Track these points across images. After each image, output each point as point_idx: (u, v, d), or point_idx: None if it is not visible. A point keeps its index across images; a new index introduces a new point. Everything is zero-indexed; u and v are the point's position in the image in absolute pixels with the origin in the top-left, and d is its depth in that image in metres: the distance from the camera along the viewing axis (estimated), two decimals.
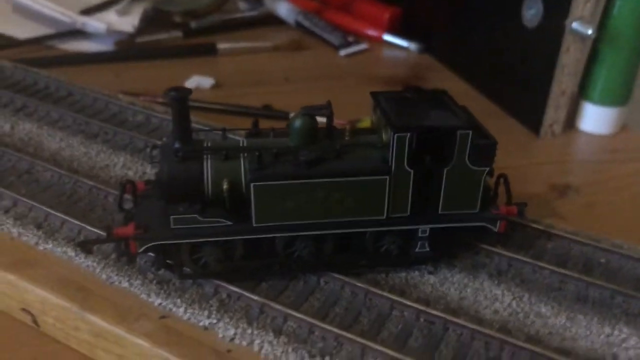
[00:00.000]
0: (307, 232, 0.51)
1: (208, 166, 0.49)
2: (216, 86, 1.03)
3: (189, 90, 0.48)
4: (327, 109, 0.50)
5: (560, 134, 0.91)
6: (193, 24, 1.23)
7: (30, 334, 0.57)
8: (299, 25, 1.26)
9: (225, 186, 0.49)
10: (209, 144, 0.50)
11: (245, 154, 0.50)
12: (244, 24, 1.28)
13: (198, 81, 1.03)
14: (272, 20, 1.30)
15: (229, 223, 0.50)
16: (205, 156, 0.49)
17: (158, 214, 0.51)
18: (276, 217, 0.50)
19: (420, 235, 0.52)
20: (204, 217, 0.49)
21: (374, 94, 0.53)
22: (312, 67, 1.13)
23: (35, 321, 0.56)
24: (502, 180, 0.55)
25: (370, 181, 0.49)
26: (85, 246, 0.52)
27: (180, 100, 0.48)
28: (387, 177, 0.49)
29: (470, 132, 0.49)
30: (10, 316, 0.58)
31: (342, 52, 1.17)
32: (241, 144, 0.51)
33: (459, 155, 0.49)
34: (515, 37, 0.92)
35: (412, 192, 0.50)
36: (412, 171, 0.49)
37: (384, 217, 0.51)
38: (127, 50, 1.13)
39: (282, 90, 1.04)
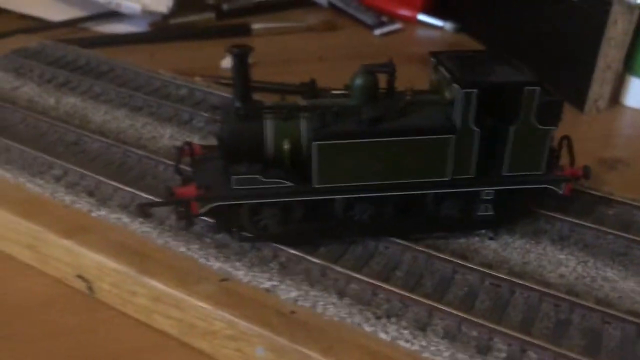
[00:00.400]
0: (368, 194, 0.50)
1: (268, 126, 0.48)
2: (252, 65, 1.02)
3: (250, 48, 0.48)
4: (389, 67, 0.49)
5: (605, 110, 0.89)
6: (225, 6, 1.23)
7: (84, 301, 0.56)
8: (331, 5, 1.25)
9: (286, 146, 0.48)
10: (269, 104, 0.49)
11: (306, 113, 0.49)
12: (275, 5, 1.27)
13: None
14: (304, 2, 1.29)
15: (290, 184, 0.49)
16: (265, 115, 0.48)
17: (218, 176, 0.50)
18: (337, 178, 0.49)
19: (483, 197, 0.51)
20: (265, 178, 0.48)
21: (434, 53, 0.52)
22: (346, 47, 1.11)
23: (90, 288, 0.56)
24: (565, 142, 0.54)
25: (434, 140, 0.48)
26: (144, 209, 0.52)
27: (241, 56, 0.47)
28: (453, 136, 0.48)
29: (538, 88, 0.47)
30: (65, 284, 0.58)
31: (377, 32, 1.15)
32: (300, 104, 0.50)
33: (526, 113, 0.48)
34: (558, 10, 0.90)
35: (477, 152, 0.49)
36: (477, 130, 0.48)
37: (448, 178, 0.50)
38: (161, 31, 1.13)
39: (317, 69, 1.03)
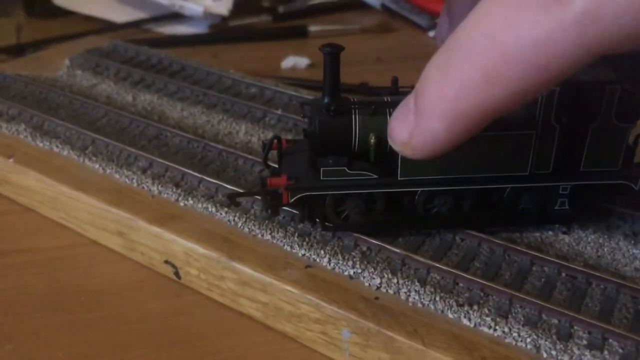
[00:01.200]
0: (450, 187, 0.52)
1: (356, 120, 0.51)
2: (311, 66, 1.05)
3: (342, 47, 0.50)
4: None
5: None
6: (281, 8, 1.26)
7: (171, 286, 0.60)
8: (385, 8, 1.27)
9: (372, 140, 0.50)
10: (357, 100, 0.52)
11: (392, 109, 0.51)
12: (331, 8, 1.30)
13: (294, 61, 1.05)
14: (358, 5, 1.32)
15: (375, 176, 0.51)
16: (354, 111, 0.51)
17: (305, 168, 0.53)
18: (420, 171, 0.51)
19: (560, 192, 0.53)
20: (351, 170, 0.51)
21: None
22: (402, 48, 1.14)
23: (177, 273, 0.59)
24: None
25: (516, 136, 0.50)
26: (234, 199, 0.54)
27: (334, 55, 0.50)
28: (534, 132, 0.50)
29: (619, 87, 0.49)
30: (152, 270, 0.61)
31: (432, 33, 1.17)
32: (386, 100, 0.52)
33: (606, 111, 0.50)
34: None
35: (556, 148, 0.51)
36: (558, 127, 0.50)
37: (527, 173, 0.52)
38: (222, 32, 1.17)
39: (375, 70, 1.05)
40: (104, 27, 1.19)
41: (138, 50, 0.92)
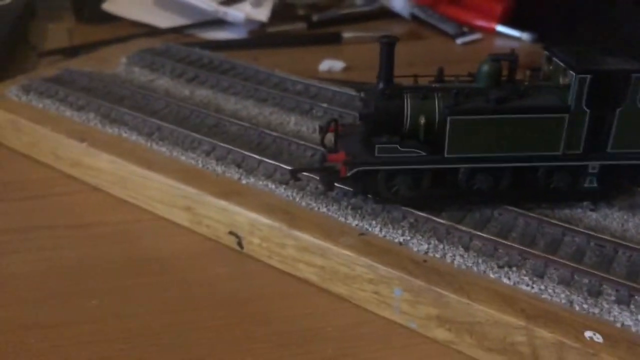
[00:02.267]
0: (491, 165, 0.58)
1: (408, 104, 0.57)
2: (347, 69, 1.12)
3: (397, 38, 0.57)
4: (512, 56, 0.58)
5: None
6: (315, 17, 1.34)
7: (233, 255, 0.66)
8: (414, 17, 1.34)
9: (422, 121, 0.57)
10: (408, 86, 0.59)
11: (440, 94, 0.58)
12: (361, 17, 1.38)
13: (330, 64, 1.12)
14: (388, 14, 1.39)
15: (424, 153, 0.58)
16: (406, 95, 0.57)
17: (360, 147, 0.59)
18: (465, 149, 0.58)
19: (590, 171, 0.59)
20: (403, 147, 0.57)
21: (547, 47, 0.61)
22: (432, 54, 1.20)
23: (240, 243, 0.65)
24: None
25: (551, 119, 0.56)
26: (296, 173, 0.61)
27: (390, 45, 0.56)
28: (567, 115, 0.56)
29: None
30: (216, 241, 0.68)
31: (459, 41, 1.24)
32: (435, 86, 0.59)
33: (632, 97, 0.56)
34: (638, 19, 0.97)
35: (586, 130, 0.57)
36: (588, 111, 0.56)
37: (560, 152, 0.58)
38: (262, 37, 1.24)
39: (408, 72, 1.12)
40: (149, 32, 1.27)
41: (189, 51, 1.00)
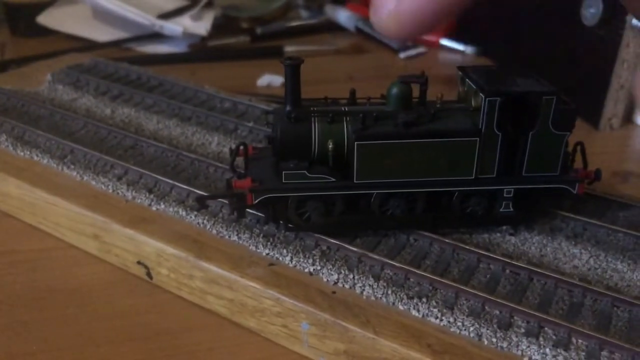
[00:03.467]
0: (402, 190, 0.56)
1: (316, 127, 0.55)
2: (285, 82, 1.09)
3: (302, 60, 0.54)
4: (421, 78, 0.56)
5: (618, 128, 0.95)
6: (259, 30, 1.31)
7: (143, 286, 0.63)
8: (358, 30, 1.32)
9: (330, 146, 0.55)
10: (316, 109, 0.56)
11: (349, 118, 0.55)
12: (306, 30, 1.36)
13: (270, 79, 1.10)
14: (332, 27, 1.37)
15: (333, 179, 0.55)
16: (313, 118, 0.55)
17: (269, 172, 0.57)
18: (375, 174, 0.55)
19: (505, 195, 0.57)
20: (311, 173, 0.55)
21: (461, 68, 0.59)
22: (374, 68, 1.19)
23: (149, 274, 0.62)
24: (579, 148, 0.59)
25: (462, 142, 0.54)
26: (203, 201, 0.58)
27: (294, 67, 0.54)
28: (478, 139, 0.54)
29: (555, 97, 0.54)
30: (125, 271, 0.64)
31: (402, 55, 1.23)
32: (343, 110, 0.56)
33: (543, 120, 0.54)
34: (573, 35, 0.97)
35: (499, 154, 0.55)
36: (500, 134, 0.54)
37: (473, 177, 0.56)
38: (201, 51, 1.21)
39: (347, 88, 1.09)
40: (87, 46, 1.23)
41: (118, 67, 0.96)
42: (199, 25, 1.23)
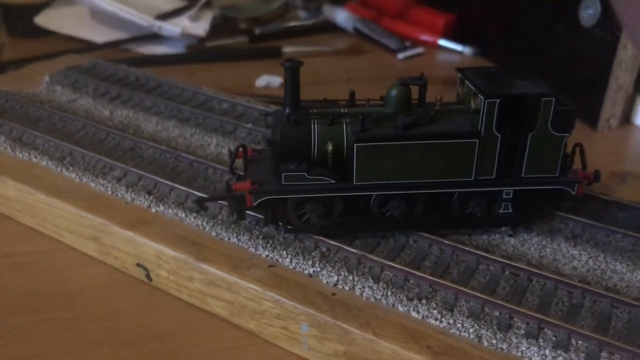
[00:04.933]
0: (402, 191, 0.56)
1: (315, 129, 0.55)
2: (284, 84, 1.09)
3: (301, 62, 0.54)
4: (421, 80, 0.56)
5: (616, 129, 0.95)
6: (257, 30, 1.31)
7: (142, 288, 0.63)
8: (357, 31, 1.32)
9: (330, 148, 0.55)
10: (315, 111, 0.56)
11: (348, 120, 0.55)
12: (304, 30, 1.35)
13: (268, 79, 1.10)
14: (331, 28, 1.37)
15: (332, 181, 0.55)
16: (312, 121, 0.55)
17: (269, 174, 0.57)
18: (374, 176, 0.55)
19: (504, 197, 0.57)
20: (310, 175, 0.55)
21: (460, 70, 0.59)
22: (372, 69, 1.19)
23: (148, 275, 0.62)
24: (578, 149, 0.60)
25: (461, 144, 0.54)
26: (202, 203, 0.58)
27: (294, 69, 0.54)
28: (477, 140, 0.54)
29: (554, 98, 0.54)
30: (125, 273, 0.64)
31: (400, 56, 1.23)
32: (343, 112, 0.56)
33: (543, 121, 0.54)
34: (571, 36, 0.97)
35: (498, 155, 0.55)
36: (499, 135, 0.54)
37: (472, 178, 0.56)
38: (199, 52, 1.21)
39: (345, 89, 1.09)
40: (85, 47, 1.23)
41: (116, 68, 0.96)
42: (198, 26, 1.23)
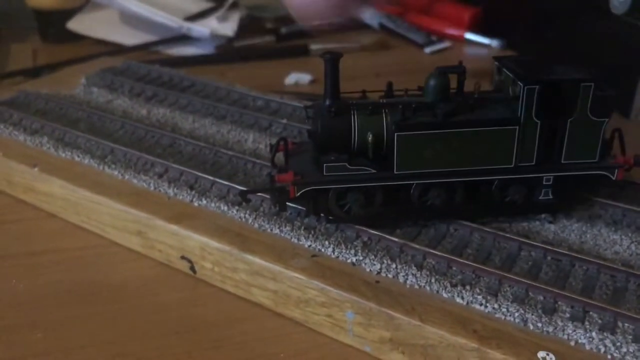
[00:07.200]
0: (442, 180, 0.56)
1: (355, 120, 0.56)
2: (314, 82, 1.11)
3: (341, 54, 0.55)
4: (459, 68, 0.56)
5: None
6: (283, 29, 1.32)
7: (187, 280, 0.64)
8: (383, 27, 1.33)
9: (370, 138, 0.55)
10: (355, 102, 0.57)
11: (387, 110, 0.56)
12: (330, 28, 1.36)
13: (297, 77, 1.11)
14: (356, 25, 1.38)
15: (373, 171, 0.56)
16: (352, 111, 0.56)
17: (309, 165, 0.58)
18: (415, 165, 0.56)
19: (544, 183, 0.57)
20: (351, 165, 0.56)
21: (497, 58, 0.60)
22: (400, 64, 1.19)
23: (192, 268, 0.64)
24: (617, 134, 0.60)
25: (501, 131, 0.55)
26: (245, 195, 0.59)
27: (334, 61, 0.55)
28: (517, 127, 0.55)
29: (592, 84, 0.54)
30: (169, 267, 0.66)
31: (427, 50, 1.23)
32: (382, 102, 0.57)
33: (582, 107, 0.55)
34: (602, 25, 0.97)
35: (538, 142, 0.56)
36: (539, 122, 0.55)
37: (512, 165, 0.56)
38: (229, 52, 1.23)
39: (374, 84, 1.10)
40: (115, 50, 1.25)
41: (150, 69, 0.98)
42: (226, 26, 1.24)
